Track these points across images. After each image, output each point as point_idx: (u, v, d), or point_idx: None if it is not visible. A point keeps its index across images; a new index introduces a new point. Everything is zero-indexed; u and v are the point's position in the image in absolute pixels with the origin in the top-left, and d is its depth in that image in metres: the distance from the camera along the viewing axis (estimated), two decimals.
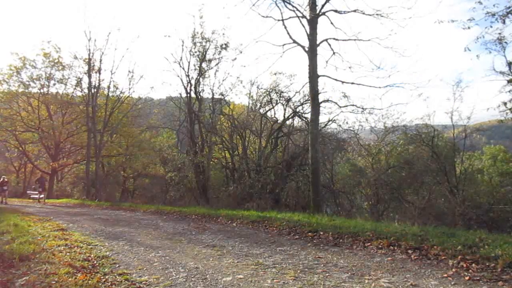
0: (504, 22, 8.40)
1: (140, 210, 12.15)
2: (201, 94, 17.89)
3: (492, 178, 17.05)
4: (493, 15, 8.45)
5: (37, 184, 19.64)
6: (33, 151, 28.10)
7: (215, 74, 17.68)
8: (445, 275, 3.58)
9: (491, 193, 14.35)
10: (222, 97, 18.02)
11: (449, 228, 5.94)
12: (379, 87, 13.08)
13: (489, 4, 8.50)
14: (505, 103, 9.85)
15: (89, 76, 20.81)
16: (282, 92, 17.49)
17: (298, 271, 3.86)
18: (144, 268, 4.12)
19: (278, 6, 12.92)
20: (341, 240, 5.51)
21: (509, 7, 8.27)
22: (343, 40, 12.45)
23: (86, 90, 21.74)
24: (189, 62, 17.58)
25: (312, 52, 12.21)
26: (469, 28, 8.71)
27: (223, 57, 17.09)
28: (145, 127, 26.44)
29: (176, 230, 7.26)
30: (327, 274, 3.73)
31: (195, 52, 17.29)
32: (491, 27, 8.61)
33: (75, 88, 24.41)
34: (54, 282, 3.29)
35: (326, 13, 12.42)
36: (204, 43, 17.07)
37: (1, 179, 18.32)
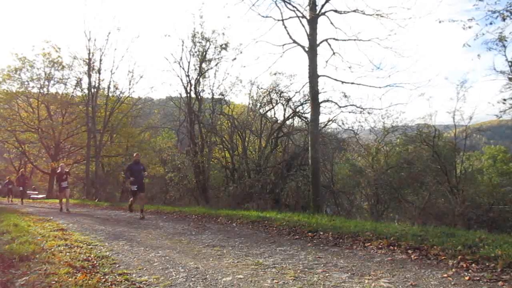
0: (504, 20, 8.43)
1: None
2: (201, 94, 17.91)
3: (492, 178, 17.05)
4: (494, 12, 8.48)
5: (130, 179, 10.02)
6: (32, 151, 28.09)
7: (215, 74, 17.71)
8: (445, 275, 3.58)
9: (491, 193, 14.35)
10: (222, 97, 18.04)
11: (449, 228, 5.94)
12: (379, 87, 13.10)
13: (491, 1, 8.49)
14: (504, 100, 9.89)
15: (89, 76, 20.81)
16: (282, 92, 17.51)
17: (298, 271, 3.86)
18: (144, 268, 4.12)
19: (278, 6, 12.93)
20: (341, 240, 5.51)
21: (510, 6, 8.29)
22: (343, 40, 12.46)
23: (86, 90, 21.75)
24: (189, 62, 17.60)
25: (312, 52, 12.21)
26: (470, 27, 8.74)
27: (223, 57, 17.12)
28: (145, 127, 26.44)
29: (176, 230, 7.26)
30: (327, 274, 3.73)
31: (195, 52, 17.31)
32: (491, 24, 8.65)
33: (75, 88, 24.47)
34: (54, 282, 3.29)
35: (326, 13, 12.42)
36: (204, 43, 17.10)
37: (59, 169, 12.50)
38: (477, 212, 12.81)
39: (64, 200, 12.27)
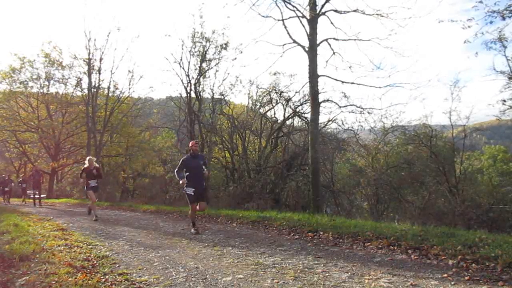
0: (504, 19, 8.46)
1: (140, 210, 12.14)
2: (201, 94, 17.91)
3: (492, 178, 17.05)
4: (494, 12, 8.51)
5: (181, 180, 6.80)
6: (33, 151, 28.10)
7: (215, 74, 17.71)
8: (445, 275, 3.58)
9: (491, 193, 14.35)
10: (222, 97, 18.04)
11: (449, 228, 5.93)
12: (379, 87, 13.14)
13: (491, 2, 8.59)
14: (504, 101, 9.91)
15: (89, 76, 20.81)
16: (282, 92, 17.51)
17: (298, 271, 3.86)
18: (144, 268, 4.12)
19: (278, 6, 12.97)
20: (341, 240, 5.51)
21: (510, 5, 8.32)
22: (343, 40, 12.49)
23: (86, 90, 21.76)
24: (189, 62, 17.60)
25: (312, 52, 12.23)
26: (469, 27, 8.77)
27: (223, 57, 17.12)
28: (145, 127, 26.46)
29: (176, 230, 7.26)
30: (327, 274, 3.73)
31: (195, 52, 17.31)
32: (491, 23, 8.69)
33: (75, 88, 24.44)
34: (54, 282, 3.29)
35: (326, 13, 12.45)
36: (204, 43, 17.09)
37: (86, 163, 9.62)
38: (477, 212, 12.79)
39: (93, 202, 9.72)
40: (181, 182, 6.66)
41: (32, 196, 18.97)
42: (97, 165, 9.84)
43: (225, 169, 18.75)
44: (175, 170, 6.80)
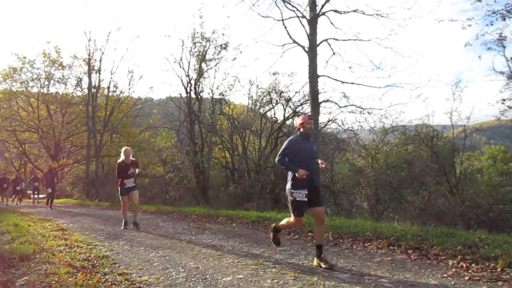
0: (504, 19, 8.48)
1: (140, 210, 12.13)
2: (201, 94, 17.92)
3: (492, 178, 17.06)
4: (494, 12, 8.52)
5: (293, 172, 4.07)
6: (32, 151, 28.12)
7: (214, 74, 17.74)
8: (445, 275, 3.59)
9: (491, 193, 14.34)
10: (222, 97, 18.06)
11: (449, 228, 5.94)
12: (379, 87, 13.13)
13: (490, 1, 8.55)
14: (503, 100, 9.92)
15: (89, 76, 20.82)
16: (282, 92, 17.51)
17: (298, 271, 3.87)
18: (144, 268, 4.12)
19: (278, 6, 12.91)
20: (341, 240, 5.52)
21: (509, 6, 8.32)
22: (343, 40, 12.44)
23: (86, 90, 21.77)
24: (189, 62, 17.61)
25: (312, 52, 12.21)
26: (469, 26, 8.79)
27: (223, 57, 17.14)
28: (145, 127, 26.47)
29: (176, 230, 7.26)
30: (327, 274, 3.73)
31: (195, 52, 17.32)
32: (491, 24, 8.70)
33: (75, 88, 24.49)
34: (54, 282, 3.29)
35: (326, 13, 12.41)
36: (204, 43, 17.10)
37: (122, 157, 7.79)
38: (477, 212, 12.78)
39: (131, 206, 7.65)
40: (299, 174, 3.87)
41: (34, 196, 18.81)
42: (134, 159, 7.75)
43: (225, 169, 18.75)
44: (277, 158, 4.16)
